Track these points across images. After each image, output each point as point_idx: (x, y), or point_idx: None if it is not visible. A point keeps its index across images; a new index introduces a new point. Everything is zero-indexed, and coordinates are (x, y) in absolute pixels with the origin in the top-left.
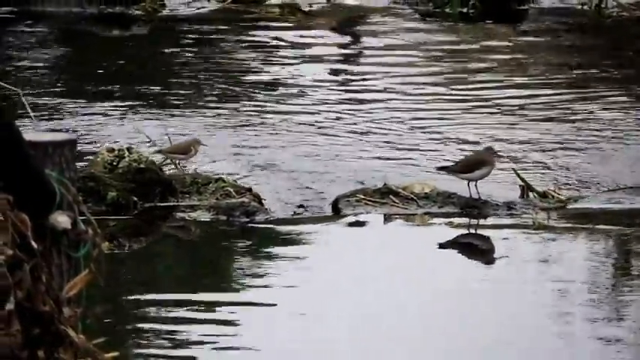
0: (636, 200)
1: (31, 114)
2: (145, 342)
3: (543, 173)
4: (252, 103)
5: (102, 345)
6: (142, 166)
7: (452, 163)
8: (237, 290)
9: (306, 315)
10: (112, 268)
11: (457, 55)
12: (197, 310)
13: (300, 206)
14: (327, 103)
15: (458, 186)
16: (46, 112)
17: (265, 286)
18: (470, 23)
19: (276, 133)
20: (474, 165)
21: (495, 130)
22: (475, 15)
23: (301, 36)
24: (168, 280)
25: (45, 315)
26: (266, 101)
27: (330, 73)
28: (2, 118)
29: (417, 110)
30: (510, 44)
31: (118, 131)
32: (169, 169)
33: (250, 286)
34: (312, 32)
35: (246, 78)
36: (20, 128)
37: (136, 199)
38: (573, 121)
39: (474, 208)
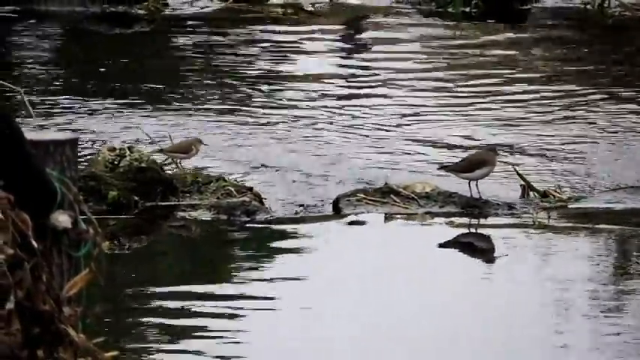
0: (637, 199)
1: (32, 112)
2: (146, 340)
3: (544, 173)
4: (254, 102)
5: (102, 344)
6: (143, 165)
7: (453, 163)
8: (237, 289)
9: (306, 313)
10: (112, 268)
11: (459, 55)
12: (197, 308)
13: (301, 205)
14: (328, 103)
15: (459, 185)
16: (48, 111)
17: (266, 285)
18: (472, 23)
19: (278, 132)
20: (474, 164)
21: (496, 130)
22: (478, 14)
23: (303, 35)
24: (169, 279)
25: (45, 314)
26: (268, 100)
27: (331, 73)
28: (3, 116)
29: (418, 109)
30: (512, 44)
31: (120, 130)
32: (173, 169)
33: (251, 285)
34: (315, 32)
35: (248, 77)
36: (21, 127)
37: (137, 198)
38: (574, 121)
39: (475, 207)
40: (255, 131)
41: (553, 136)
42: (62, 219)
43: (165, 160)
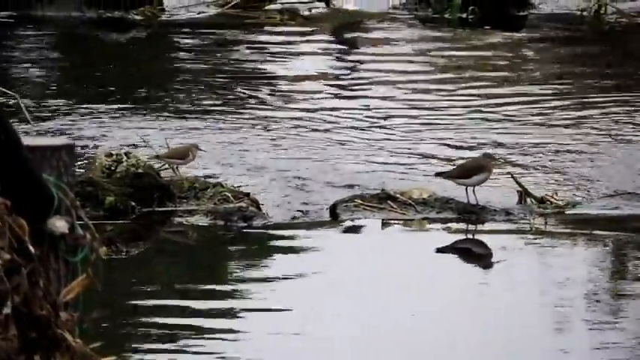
0: (634, 205)
1: (29, 118)
2: (143, 345)
3: (541, 179)
4: (251, 107)
5: (99, 349)
6: (140, 170)
7: (450, 169)
8: (234, 293)
9: (304, 317)
10: (109, 273)
11: (455, 61)
12: (195, 313)
13: (299, 211)
14: (325, 108)
15: (456, 191)
16: (44, 116)
17: (263, 289)
18: (469, 29)
19: (275, 138)
20: (471, 170)
21: (493, 136)
22: (474, 20)
23: (300, 40)
24: (166, 284)
25: (42, 319)
26: (265, 106)
27: (329, 78)
28: (0, 122)
29: (415, 115)
30: (509, 50)
31: (116, 135)
32: (170, 175)
33: (247, 290)
34: (312, 37)
35: (245, 82)
36: (18, 132)
37: (133, 203)
38: (571, 127)
39: (472, 213)
40: (252, 136)
41: (550, 142)
42: (59, 224)
43: (162, 165)
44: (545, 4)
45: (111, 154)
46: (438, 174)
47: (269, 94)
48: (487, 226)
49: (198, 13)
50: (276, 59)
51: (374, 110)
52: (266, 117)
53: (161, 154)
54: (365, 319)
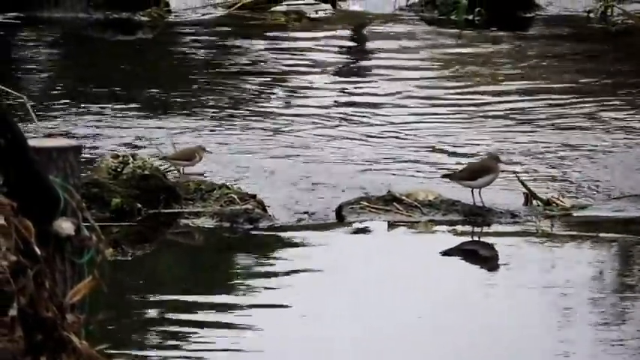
0: None
1: (35, 119)
2: (149, 347)
3: (547, 181)
4: (257, 109)
5: (105, 351)
6: (146, 172)
7: (456, 171)
8: (240, 295)
9: (309, 318)
10: (115, 275)
11: (462, 62)
12: (200, 315)
13: (304, 213)
14: (331, 110)
15: (462, 193)
16: (51, 118)
17: (268, 291)
18: (475, 30)
19: (281, 139)
20: (477, 172)
21: (499, 138)
22: (481, 22)
23: (306, 42)
24: (172, 286)
25: (48, 321)
26: (272, 107)
27: (334, 80)
28: (7, 123)
29: (421, 116)
30: (515, 51)
31: (123, 137)
32: (175, 177)
33: (254, 291)
34: (318, 38)
35: (251, 84)
36: (25, 134)
37: (140, 205)
38: (578, 129)
39: (478, 215)
40: (258, 138)
41: (557, 143)
42: (65, 226)
43: (169, 167)
44: (552, 5)
45: (117, 156)
46: (444, 176)
47: (276, 95)
48: (493, 229)
49: (205, 15)
50: (283, 60)
51: (379, 112)
52: (272, 119)
53: (167, 155)
54: (370, 320)
